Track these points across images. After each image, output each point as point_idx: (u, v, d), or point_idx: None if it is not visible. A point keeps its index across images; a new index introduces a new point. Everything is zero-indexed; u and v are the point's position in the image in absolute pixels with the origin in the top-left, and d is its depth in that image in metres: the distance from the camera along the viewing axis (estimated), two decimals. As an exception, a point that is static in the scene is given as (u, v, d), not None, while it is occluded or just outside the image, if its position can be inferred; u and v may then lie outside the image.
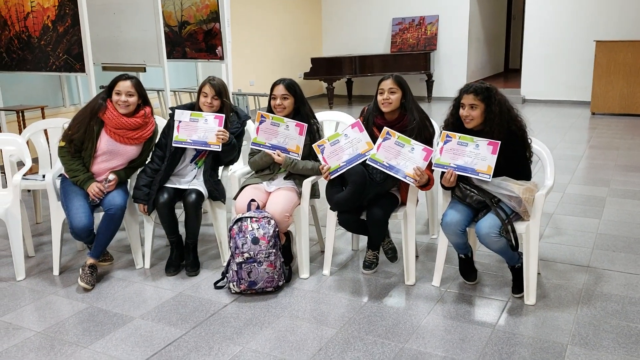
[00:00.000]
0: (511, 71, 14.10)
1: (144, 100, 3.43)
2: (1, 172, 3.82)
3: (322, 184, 3.50)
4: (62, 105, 6.69)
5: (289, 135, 3.32)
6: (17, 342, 2.72)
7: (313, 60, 10.40)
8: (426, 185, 3.13)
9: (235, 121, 3.54)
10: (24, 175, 3.56)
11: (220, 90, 3.43)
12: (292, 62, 10.89)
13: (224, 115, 3.39)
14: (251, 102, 8.46)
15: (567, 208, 4.52)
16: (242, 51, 9.22)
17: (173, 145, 3.39)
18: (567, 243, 3.80)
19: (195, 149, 3.48)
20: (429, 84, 10.61)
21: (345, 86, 11.37)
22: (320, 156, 3.18)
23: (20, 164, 3.69)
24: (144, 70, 6.13)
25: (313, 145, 3.23)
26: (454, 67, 10.82)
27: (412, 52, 10.61)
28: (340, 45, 11.68)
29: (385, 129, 3.10)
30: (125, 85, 3.31)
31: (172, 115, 3.45)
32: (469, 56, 10.87)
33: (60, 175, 3.47)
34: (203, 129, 3.36)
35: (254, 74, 9.83)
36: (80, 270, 3.27)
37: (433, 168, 3.08)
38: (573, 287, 3.17)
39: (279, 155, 3.32)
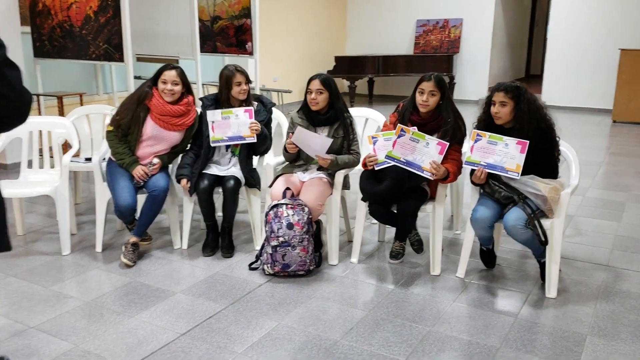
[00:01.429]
0: (532, 77, 14.16)
1: (187, 89, 3.61)
2: (41, 155, 4.01)
3: (353, 176, 3.66)
4: (95, 94, 6.90)
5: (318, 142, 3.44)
6: (68, 309, 2.91)
7: (337, 58, 10.56)
8: (446, 178, 3.26)
9: (261, 110, 3.71)
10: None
11: (246, 74, 3.63)
12: (315, 59, 11.05)
13: (252, 107, 3.56)
14: (275, 98, 8.64)
15: (587, 211, 4.64)
16: (267, 48, 9.39)
17: (212, 145, 3.56)
18: (587, 243, 3.93)
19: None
20: (451, 86, 10.72)
21: (367, 85, 11.51)
22: (371, 146, 3.30)
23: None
24: (176, 62, 6.31)
25: (367, 136, 3.36)
26: (476, 70, 10.92)
27: (435, 54, 10.73)
28: (364, 45, 11.83)
29: (399, 126, 3.24)
30: (171, 75, 3.50)
31: (203, 104, 3.65)
32: (491, 60, 10.97)
33: (104, 158, 3.66)
34: (236, 124, 3.53)
35: (278, 71, 10.00)
36: (123, 247, 3.46)
37: (464, 165, 3.23)
38: (592, 283, 3.30)
39: (324, 159, 3.43)
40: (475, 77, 10.92)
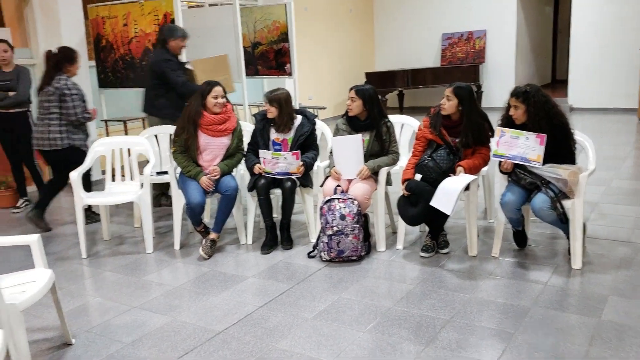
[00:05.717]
0: (558, 82, 14.46)
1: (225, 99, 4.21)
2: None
3: (395, 175, 4.15)
4: (151, 118, 7.56)
5: (352, 156, 3.95)
6: (162, 293, 3.47)
7: (367, 74, 11.12)
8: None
9: (305, 123, 4.22)
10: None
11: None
12: (347, 76, 11.60)
13: (299, 151, 4.06)
14: (313, 114, 9.18)
15: (611, 198, 5.01)
16: (301, 69, 9.99)
17: (264, 174, 4.07)
18: (610, 225, 4.32)
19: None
20: (479, 94, 11.15)
21: (397, 98, 12.03)
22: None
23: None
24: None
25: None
26: (502, 78, 11.34)
27: (462, 65, 11.21)
28: (392, 60, 12.36)
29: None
30: (219, 89, 4.10)
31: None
32: (516, 68, 11.39)
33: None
34: (284, 164, 4.04)
35: (313, 89, 10.59)
36: (203, 241, 4.03)
37: (492, 158, 3.70)
38: (614, 256, 3.71)
39: (364, 174, 3.92)
40: (501, 84, 11.31)
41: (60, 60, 4.72)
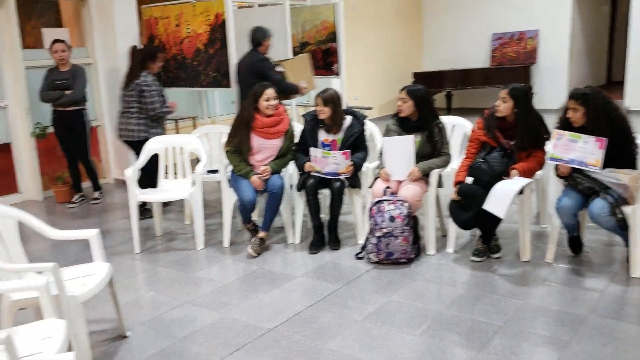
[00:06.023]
0: (614, 83, 13.98)
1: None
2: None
3: (446, 177, 4.10)
4: (200, 117, 7.70)
5: (403, 157, 3.92)
6: (212, 289, 3.53)
7: (415, 74, 11.02)
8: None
9: (355, 123, 4.20)
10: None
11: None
12: (393, 77, 11.53)
13: (349, 150, 4.04)
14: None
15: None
16: (348, 69, 9.97)
17: (313, 173, 4.06)
18: (672, 232, 4.14)
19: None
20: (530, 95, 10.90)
21: (445, 99, 11.87)
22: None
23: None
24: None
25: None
26: (555, 79, 11.04)
27: (512, 66, 10.98)
28: (440, 60, 12.20)
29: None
30: (271, 92, 4.12)
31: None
32: (570, 68, 11.07)
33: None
34: (334, 164, 4.03)
35: (359, 90, 10.57)
36: (252, 239, 4.07)
37: (549, 161, 3.59)
38: (677, 265, 3.55)
39: (415, 175, 3.88)
40: (554, 86, 11.02)
41: (144, 58, 4.98)
